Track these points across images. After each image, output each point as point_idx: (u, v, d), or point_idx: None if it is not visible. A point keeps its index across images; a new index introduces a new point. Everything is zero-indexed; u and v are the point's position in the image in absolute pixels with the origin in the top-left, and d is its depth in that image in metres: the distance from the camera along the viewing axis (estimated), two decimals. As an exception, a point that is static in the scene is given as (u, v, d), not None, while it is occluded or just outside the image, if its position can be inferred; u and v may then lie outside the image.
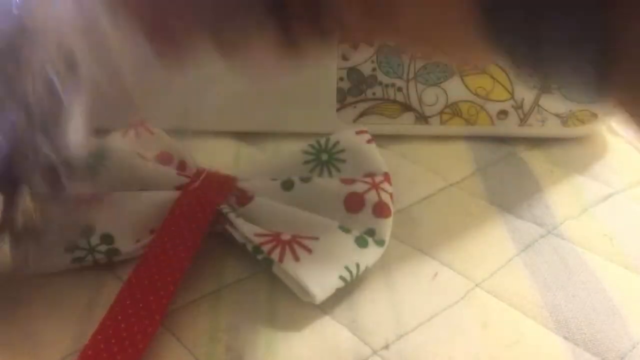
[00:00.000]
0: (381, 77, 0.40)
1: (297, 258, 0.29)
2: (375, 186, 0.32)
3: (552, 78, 0.24)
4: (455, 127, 0.42)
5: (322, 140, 0.35)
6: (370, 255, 0.31)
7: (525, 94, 0.41)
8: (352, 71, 0.40)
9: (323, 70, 0.40)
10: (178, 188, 0.34)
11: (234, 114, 0.42)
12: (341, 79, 0.40)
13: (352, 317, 0.29)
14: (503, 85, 0.40)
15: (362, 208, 0.32)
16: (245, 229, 0.30)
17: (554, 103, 0.41)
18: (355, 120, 0.42)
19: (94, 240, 0.31)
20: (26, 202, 0.27)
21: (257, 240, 0.30)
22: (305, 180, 0.33)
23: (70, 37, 0.26)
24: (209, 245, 0.32)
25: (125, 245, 0.31)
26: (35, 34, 0.25)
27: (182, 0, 0.23)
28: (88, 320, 0.29)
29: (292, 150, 0.35)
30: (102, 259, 0.31)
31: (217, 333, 0.28)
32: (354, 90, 0.41)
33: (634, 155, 0.42)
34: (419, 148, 0.42)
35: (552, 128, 0.42)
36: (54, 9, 0.26)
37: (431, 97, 0.41)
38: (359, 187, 0.32)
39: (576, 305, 0.30)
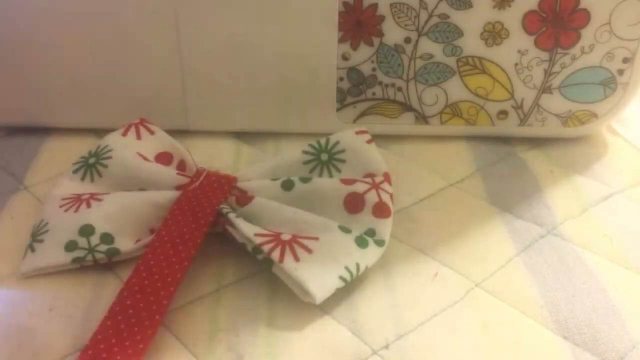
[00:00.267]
0: (381, 77, 0.40)
1: (297, 258, 0.29)
2: (375, 186, 0.32)
3: None
4: (455, 127, 0.42)
5: (322, 140, 0.35)
6: (370, 255, 0.31)
7: (525, 94, 0.41)
8: (352, 71, 0.40)
9: (323, 70, 0.40)
10: (178, 188, 0.34)
11: (234, 114, 0.42)
12: (341, 79, 0.40)
13: (352, 317, 0.29)
14: (503, 85, 0.40)
15: (362, 208, 0.32)
16: (245, 229, 0.30)
17: (554, 103, 0.41)
18: (355, 120, 0.42)
19: (94, 240, 0.31)
20: None
21: (257, 240, 0.30)
22: (305, 180, 0.33)
23: None
24: (209, 245, 0.32)
25: (125, 245, 0.31)
26: None
27: None
28: (88, 320, 0.29)
29: (292, 150, 0.35)
30: (102, 258, 0.31)
31: (217, 333, 0.28)
32: (354, 90, 0.41)
33: (634, 155, 0.42)
34: (419, 148, 0.42)
35: (552, 128, 0.42)
36: None
37: (431, 97, 0.41)
38: (359, 187, 0.32)
39: (576, 305, 0.30)
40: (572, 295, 0.30)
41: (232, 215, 0.31)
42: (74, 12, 0.38)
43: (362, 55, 0.40)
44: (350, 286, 0.30)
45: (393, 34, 0.39)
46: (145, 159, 0.35)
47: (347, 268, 0.30)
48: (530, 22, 0.38)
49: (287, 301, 0.29)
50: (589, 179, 0.39)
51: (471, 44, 0.39)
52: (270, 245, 0.29)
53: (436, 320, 0.29)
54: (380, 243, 0.32)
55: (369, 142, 0.35)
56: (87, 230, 0.31)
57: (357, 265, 0.30)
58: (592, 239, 0.34)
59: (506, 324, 0.29)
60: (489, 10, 0.38)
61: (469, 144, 0.42)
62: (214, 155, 0.40)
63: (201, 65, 0.40)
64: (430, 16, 0.38)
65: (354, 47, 0.39)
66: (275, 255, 0.29)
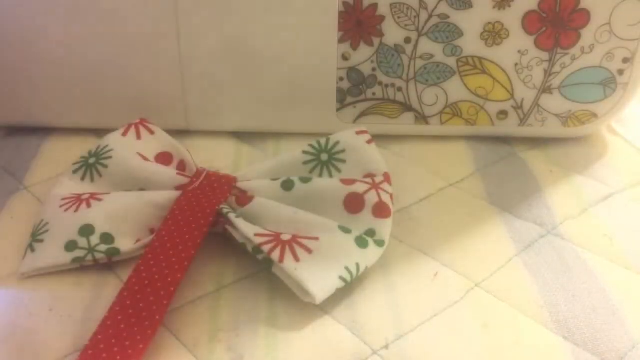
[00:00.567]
0: (381, 77, 0.40)
1: (297, 258, 0.29)
2: (375, 186, 0.32)
3: None
4: (455, 127, 0.42)
5: (322, 140, 0.35)
6: (370, 255, 0.31)
7: (525, 94, 0.41)
8: (352, 71, 0.40)
9: (323, 70, 0.40)
10: (178, 188, 0.34)
11: (234, 114, 0.42)
12: (341, 79, 0.40)
13: (352, 317, 0.29)
14: (503, 85, 0.40)
15: (362, 208, 0.32)
16: (245, 229, 0.30)
17: (554, 103, 0.41)
18: (355, 120, 0.42)
19: (94, 239, 0.31)
20: None
21: (257, 240, 0.30)
22: (305, 180, 0.33)
23: None
24: (209, 245, 0.32)
25: (125, 245, 0.31)
26: None
27: None
28: (88, 320, 0.29)
29: (292, 150, 0.35)
30: (102, 258, 0.31)
31: (217, 333, 0.28)
32: (354, 90, 0.41)
33: (634, 155, 0.42)
34: (419, 148, 0.42)
35: (552, 128, 0.42)
36: None
37: (431, 97, 0.41)
38: (359, 187, 0.32)
39: (576, 305, 0.30)
40: (572, 295, 0.30)
41: (232, 215, 0.31)
42: (73, 11, 0.38)
43: (362, 55, 0.40)
44: (350, 286, 0.30)
45: (393, 34, 0.39)
46: (145, 159, 0.35)
47: (347, 268, 0.30)
48: (530, 22, 0.38)
49: (287, 301, 0.29)
50: (589, 179, 0.39)
51: (471, 44, 0.39)
52: (270, 246, 0.29)
53: (436, 320, 0.29)
54: (380, 243, 0.32)
55: (369, 142, 0.35)
56: (87, 230, 0.31)
57: (357, 266, 0.30)
58: (592, 239, 0.34)
59: (506, 324, 0.29)
60: (489, 10, 0.38)
61: (469, 144, 0.42)
62: (214, 155, 0.40)
63: (201, 65, 0.40)
64: (430, 16, 0.38)
65: (354, 47, 0.39)
66: (275, 255, 0.29)
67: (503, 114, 0.41)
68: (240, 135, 0.43)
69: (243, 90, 0.41)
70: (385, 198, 0.32)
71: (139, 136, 0.36)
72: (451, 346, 0.28)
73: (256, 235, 0.30)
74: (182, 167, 0.36)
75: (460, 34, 0.39)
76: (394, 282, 0.31)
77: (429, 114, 0.41)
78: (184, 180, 0.34)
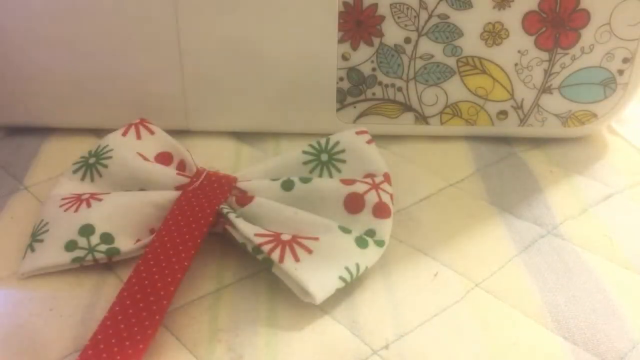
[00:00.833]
0: (381, 77, 0.40)
1: (297, 258, 0.29)
2: (376, 187, 0.32)
3: None
4: (455, 127, 0.42)
5: (322, 141, 0.35)
6: (370, 255, 0.31)
7: (525, 94, 0.41)
8: (352, 71, 0.40)
9: (323, 70, 0.40)
10: (178, 188, 0.34)
11: (234, 114, 0.42)
12: (341, 79, 0.40)
13: (352, 317, 0.29)
14: (503, 85, 0.40)
15: (362, 208, 0.32)
16: (245, 229, 0.30)
17: (554, 103, 0.41)
18: (355, 121, 0.42)
19: (94, 239, 0.31)
20: None
21: (257, 240, 0.30)
22: (305, 180, 0.33)
23: None
24: (209, 245, 0.32)
25: (125, 245, 0.31)
26: None
27: None
28: (88, 320, 0.29)
29: (292, 150, 0.35)
30: (102, 258, 0.31)
31: (217, 333, 0.28)
32: (354, 90, 0.41)
33: (634, 155, 0.42)
34: (419, 148, 0.42)
35: (552, 128, 0.42)
36: None
37: (431, 97, 0.41)
38: (359, 187, 0.32)
39: (576, 305, 0.30)
40: (572, 295, 0.30)
41: (232, 215, 0.31)
42: (73, 11, 0.38)
43: (362, 55, 0.40)
44: (350, 286, 0.30)
45: (393, 34, 0.39)
46: (145, 159, 0.35)
47: (347, 268, 0.30)
48: (530, 22, 0.38)
49: (287, 301, 0.29)
50: (589, 179, 0.39)
51: (471, 44, 0.39)
52: (270, 246, 0.29)
53: (436, 320, 0.29)
54: (380, 243, 0.32)
55: (369, 142, 0.35)
56: (87, 230, 0.31)
57: (357, 266, 0.30)
58: (592, 239, 0.34)
59: (506, 324, 0.29)
60: (489, 10, 0.38)
61: (469, 144, 0.42)
62: (214, 155, 0.40)
63: (201, 65, 0.40)
64: (430, 16, 0.38)
65: (354, 47, 0.39)
66: (275, 255, 0.29)
67: (503, 114, 0.41)
68: (240, 135, 0.43)
69: (243, 90, 0.41)
70: (385, 198, 0.32)
71: (139, 136, 0.36)
72: (451, 346, 0.28)
73: (256, 235, 0.30)
74: (182, 167, 0.36)
75: (460, 34, 0.39)
76: (394, 282, 0.31)
77: (429, 114, 0.41)
78: (184, 180, 0.34)
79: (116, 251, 0.31)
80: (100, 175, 0.35)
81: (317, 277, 0.29)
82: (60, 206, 0.33)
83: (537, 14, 0.38)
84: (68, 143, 0.41)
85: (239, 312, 0.29)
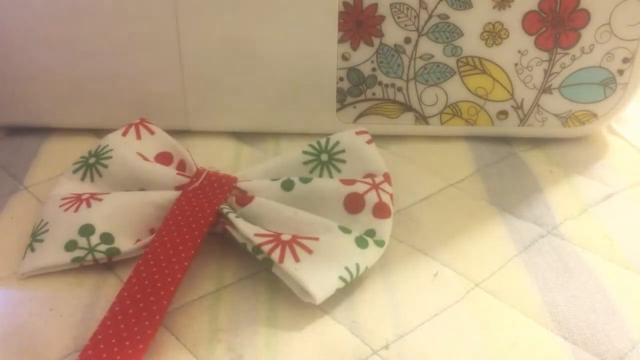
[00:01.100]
0: (381, 77, 0.40)
1: (297, 258, 0.29)
2: (376, 187, 0.32)
3: None
4: (455, 127, 0.42)
5: (322, 141, 0.35)
6: (370, 255, 0.31)
7: (525, 94, 0.41)
8: (352, 71, 0.40)
9: (323, 70, 0.40)
10: (178, 188, 0.34)
11: (234, 114, 0.42)
12: (341, 79, 0.40)
13: (352, 317, 0.29)
14: (503, 85, 0.40)
15: (362, 209, 0.32)
16: (245, 229, 0.30)
17: (554, 103, 0.41)
18: (355, 121, 0.42)
19: (94, 239, 0.31)
20: None
21: (257, 240, 0.30)
22: (305, 180, 0.33)
23: None
24: (209, 245, 0.32)
25: (125, 245, 0.31)
26: None
27: None
28: (88, 320, 0.29)
29: (292, 151, 0.35)
30: (102, 258, 0.31)
31: (217, 333, 0.28)
32: (354, 90, 0.41)
33: (634, 155, 0.42)
34: (419, 148, 0.42)
35: (552, 128, 0.42)
36: None
37: (431, 97, 0.41)
38: (359, 187, 0.32)
39: (576, 305, 0.30)
40: (572, 295, 0.30)
41: (232, 216, 0.31)
42: (73, 12, 0.38)
43: (362, 55, 0.40)
44: (350, 286, 0.30)
45: (393, 34, 0.39)
46: (145, 159, 0.35)
47: (347, 268, 0.30)
48: (530, 22, 0.38)
49: (287, 301, 0.29)
50: (589, 179, 0.39)
51: (471, 44, 0.39)
52: (270, 246, 0.29)
53: (436, 320, 0.29)
54: (380, 243, 0.32)
55: (369, 142, 0.35)
56: (87, 230, 0.31)
57: (357, 266, 0.30)
58: (592, 239, 0.34)
59: (506, 324, 0.29)
60: (489, 10, 0.38)
61: (469, 144, 0.42)
62: (214, 155, 0.40)
63: (201, 65, 0.40)
64: (430, 16, 0.38)
65: (354, 47, 0.39)
66: (275, 255, 0.29)
67: (503, 114, 0.41)
68: (240, 135, 0.43)
69: (243, 90, 0.41)
70: (385, 198, 0.32)
71: (139, 136, 0.36)
72: (451, 346, 0.28)
73: (256, 235, 0.30)
74: (182, 167, 0.36)
75: (460, 34, 0.39)
76: (394, 282, 0.31)
77: (429, 114, 0.41)
78: (184, 180, 0.34)
79: (116, 251, 0.31)
80: (100, 175, 0.35)
81: (317, 277, 0.29)
82: (60, 206, 0.33)
83: (537, 14, 0.38)
84: (68, 143, 0.41)
85: (239, 312, 0.29)
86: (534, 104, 0.41)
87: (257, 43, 0.39)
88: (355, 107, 0.41)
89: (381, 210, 0.32)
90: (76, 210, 0.32)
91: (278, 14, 0.38)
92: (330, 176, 0.34)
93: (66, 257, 0.31)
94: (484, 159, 0.41)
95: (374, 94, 0.41)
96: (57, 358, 0.27)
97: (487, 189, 0.38)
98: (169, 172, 0.34)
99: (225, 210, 0.32)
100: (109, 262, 0.31)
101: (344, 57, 0.40)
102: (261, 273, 0.31)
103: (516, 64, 0.40)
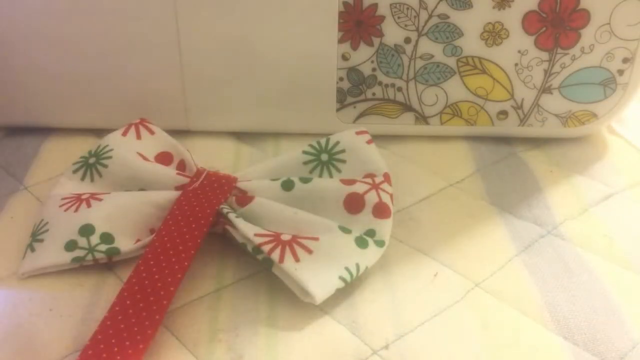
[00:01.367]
0: (381, 77, 0.40)
1: (297, 258, 0.29)
2: (376, 187, 0.32)
3: None
4: (455, 127, 0.42)
5: (322, 141, 0.35)
6: (370, 255, 0.31)
7: (525, 94, 0.41)
8: (352, 71, 0.40)
9: (323, 70, 0.40)
10: (178, 188, 0.34)
11: (234, 114, 0.42)
12: (341, 79, 0.40)
13: (352, 317, 0.29)
14: (503, 85, 0.40)
15: (362, 209, 0.32)
16: (245, 229, 0.30)
17: (554, 103, 0.41)
18: (355, 121, 0.42)
19: (94, 239, 0.31)
20: None
21: (257, 240, 0.30)
22: (305, 180, 0.33)
23: None
24: (209, 245, 0.32)
25: (125, 245, 0.31)
26: None
27: None
28: (88, 320, 0.29)
29: (292, 150, 0.35)
30: (102, 258, 0.31)
31: (217, 333, 0.28)
32: (354, 90, 0.41)
33: (634, 155, 0.42)
34: (419, 148, 0.42)
35: (552, 128, 0.42)
36: None
37: (431, 97, 0.41)
38: (359, 187, 0.32)
39: (576, 305, 0.30)
40: (572, 295, 0.30)
41: (232, 216, 0.31)
42: (73, 11, 0.38)
43: (362, 55, 0.40)
44: (350, 286, 0.30)
45: (393, 34, 0.39)
46: (145, 159, 0.35)
47: (347, 268, 0.30)
48: (530, 22, 0.38)
49: (287, 301, 0.29)
50: (589, 179, 0.39)
51: (471, 44, 0.39)
52: (270, 246, 0.29)
53: (436, 320, 0.29)
54: (380, 243, 0.32)
55: (369, 142, 0.35)
56: (87, 230, 0.31)
57: (357, 266, 0.30)
58: (592, 239, 0.34)
59: (506, 324, 0.29)
60: (489, 10, 0.38)
61: (469, 144, 0.42)
62: (214, 155, 0.40)
63: (201, 65, 0.40)
64: (430, 16, 0.38)
65: (354, 47, 0.39)
66: (275, 255, 0.29)
67: (503, 114, 0.41)
68: (240, 135, 0.43)
69: (243, 90, 0.41)
70: (385, 198, 0.32)
71: (139, 136, 0.36)
72: (451, 346, 0.28)
73: (256, 235, 0.30)
74: (182, 167, 0.36)
75: (460, 34, 0.39)
76: (394, 282, 0.31)
77: (429, 114, 0.41)
78: (184, 180, 0.34)
79: (116, 251, 0.31)
80: (100, 175, 0.35)
81: (317, 277, 0.29)
82: (60, 206, 0.33)
83: (537, 14, 0.38)
84: (68, 143, 0.41)
85: (239, 312, 0.29)
86: (534, 104, 0.41)
87: (257, 43, 0.39)
88: (355, 107, 0.41)
89: (381, 210, 0.32)
90: (76, 210, 0.32)
91: (278, 14, 0.38)
92: (330, 176, 0.34)
93: (66, 257, 0.31)
94: (484, 159, 0.41)
95: (374, 94, 0.41)
96: (57, 358, 0.27)
97: (487, 189, 0.38)
98: (169, 172, 0.34)
99: (225, 210, 0.31)
100: (109, 262, 0.31)
101: (344, 57, 0.40)
102: (261, 273, 0.31)
103: (516, 64, 0.40)
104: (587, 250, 0.33)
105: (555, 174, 0.40)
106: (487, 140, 0.43)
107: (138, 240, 0.32)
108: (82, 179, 0.35)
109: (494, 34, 0.39)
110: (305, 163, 0.34)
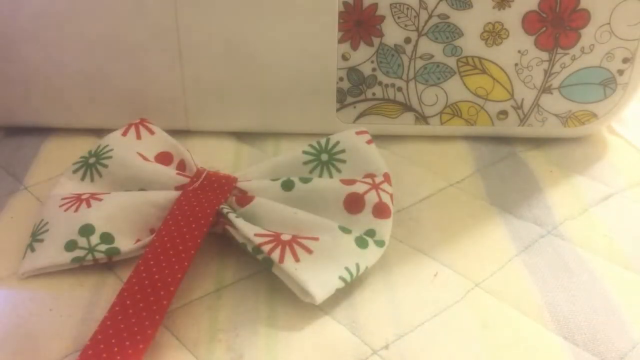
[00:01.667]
0: (381, 77, 0.40)
1: (297, 258, 0.29)
2: (376, 187, 0.32)
3: None
4: (455, 127, 0.42)
5: (322, 141, 0.35)
6: (370, 255, 0.31)
7: (525, 94, 0.41)
8: (352, 71, 0.40)
9: (323, 70, 0.40)
10: (178, 188, 0.34)
11: (234, 114, 0.42)
12: (341, 79, 0.40)
13: (352, 317, 0.29)
14: (503, 85, 0.40)
15: (362, 209, 0.32)
16: (245, 229, 0.30)
17: (554, 103, 0.41)
18: (355, 121, 0.42)
19: (94, 239, 0.31)
20: None
21: (257, 240, 0.30)
22: (305, 180, 0.33)
23: None
24: (209, 245, 0.32)
25: (125, 245, 0.31)
26: None
27: None
28: (88, 320, 0.29)
29: (292, 150, 0.35)
30: (102, 258, 0.31)
31: (217, 333, 0.28)
32: (354, 90, 0.41)
33: (634, 155, 0.42)
34: (419, 148, 0.42)
35: (552, 128, 0.42)
36: None
37: (431, 97, 0.41)
38: (359, 187, 0.32)
39: (576, 305, 0.30)
40: (572, 295, 0.30)
41: (232, 216, 0.31)
42: (73, 12, 0.38)
43: (362, 55, 0.40)
44: (350, 286, 0.30)
45: (393, 34, 0.39)
46: (145, 159, 0.35)
47: (347, 268, 0.30)
48: (530, 22, 0.38)
49: (287, 301, 0.29)
50: (589, 179, 0.39)
51: (471, 44, 0.39)
52: (270, 246, 0.29)
53: (436, 320, 0.29)
54: (380, 243, 0.32)
55: (369, 142, 0.35)
56: (87, 230, 0.31)
57: (357, 266, 0.30)
58: (592, 239, 0.34)
59: (506, 324, 0.29)
60: (489, 10, 0.38)
61: (469, 144, 0.42)
62: (214, 155, 0.40)
63: (201, 65, 0.40)
64: (430, 16, 0.38)
65: (354, 47, 0.39)
66: (275, 255, 0.29)
67: (503, 114, 0.41)
68: (240, 135, 0.43)
69: (243, 90, 0.41)
70: (386, 198, 0.32)
71: (139, 136, 0.36)
72: (451, 346, 0.28)
73: (256, 235, 0.30)
74: (182, 167, 0.36)
75: (460, 34, 0.39)
76: (394, 282, 0.31)
77: (429, 114, 0.41)
78: (184, 180, 0.34)
79: (116, 251, 0.31)
80: (100, 175, 0.35)
81: (317, 277, 0.29)
82: (60, 206, 0.33)
83: (537, 14, 0.38)
84: (68, 143, 0.41)
85: (239, 312, 0.29)
86: (534, 104, 0.41)
87: (257, 43, 0.39)
88: (355, 107, 0.41)
89: (381, 211, 0.32)
90: (76, 210, 0.32)
91: (278, 14, 0.38)
92: (330, 176, 0.34)
93: (66, 257, 0.31)
94: (484, 159, 0.41)
95: (374, 94, 0.41)
96: (57, 358, 0.27)
97: (487, 189, 0.38)
98: (169, 172, 0.34)
99: (225, 210, 0.32)
100: (109, 262, 0.31)
101: (344, 57, 0.40)
102: (261, 273, 0.31)
103: (516, 64, 0.40)
104: (587, 250, 0.33)
105: (555, 174, 0.40)
106: (487, 140, 0.43)
107: (138, 240, 0.32)
108: (82, 179, 0.35)
109: (494, 34, 0.39)
110: (305, 163, 0.34)
